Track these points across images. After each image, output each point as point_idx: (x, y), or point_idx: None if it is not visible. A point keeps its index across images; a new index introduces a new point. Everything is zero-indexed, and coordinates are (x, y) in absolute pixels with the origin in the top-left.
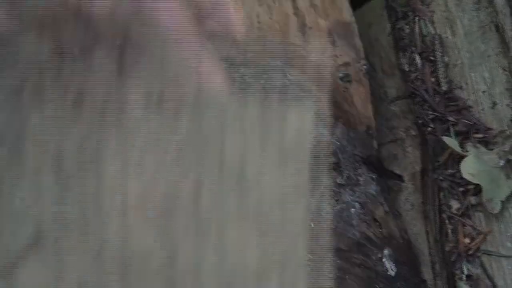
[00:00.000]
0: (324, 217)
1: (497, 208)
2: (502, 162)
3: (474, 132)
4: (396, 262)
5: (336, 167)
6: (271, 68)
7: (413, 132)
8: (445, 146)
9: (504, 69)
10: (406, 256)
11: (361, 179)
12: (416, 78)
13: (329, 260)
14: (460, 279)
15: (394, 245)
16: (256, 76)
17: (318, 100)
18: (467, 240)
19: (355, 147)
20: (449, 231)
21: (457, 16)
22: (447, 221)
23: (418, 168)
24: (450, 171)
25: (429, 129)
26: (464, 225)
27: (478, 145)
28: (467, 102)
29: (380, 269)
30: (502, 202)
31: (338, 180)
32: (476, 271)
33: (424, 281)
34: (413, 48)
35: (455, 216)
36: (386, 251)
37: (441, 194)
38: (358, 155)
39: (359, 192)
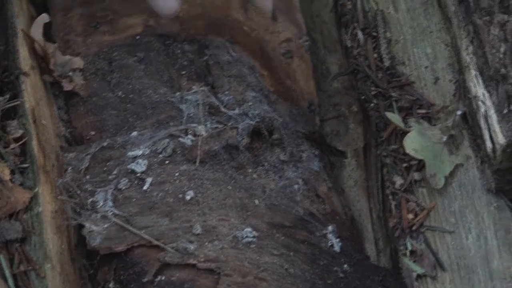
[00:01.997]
0: (268, 194)
1: (440, 183)
2: (445, 138)
3: (417, 108)
4: (340, 238)
5: (279, 143)
6: (214, 45)
7: (355, 108)
8: (388, 122)
9: (447, 45)
10: (350, 232)
11: (304, 155)
12: (358, 54)
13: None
14: (404, 254)
15: (338, 221)
16: (199, 53)
17: (261, 77)
18: (410, 216)
19: (297, 124)
20: (393, 207)
21: None
22: (390, 197)
23: (361, 144)
24: (393, 147)
25: (372, 105)
26: (407, 201)
27: (421, 120)
28: (410, 78)
29: (324, 245)
30: (446, 177)
31: (281, 157)
32: (420, 246)
33: (367, 257)
34: (355, 24)
35: (399, 192)
36: (330, 227)
37: (385, 170)
38: (301, 132)
39: (302, 169)
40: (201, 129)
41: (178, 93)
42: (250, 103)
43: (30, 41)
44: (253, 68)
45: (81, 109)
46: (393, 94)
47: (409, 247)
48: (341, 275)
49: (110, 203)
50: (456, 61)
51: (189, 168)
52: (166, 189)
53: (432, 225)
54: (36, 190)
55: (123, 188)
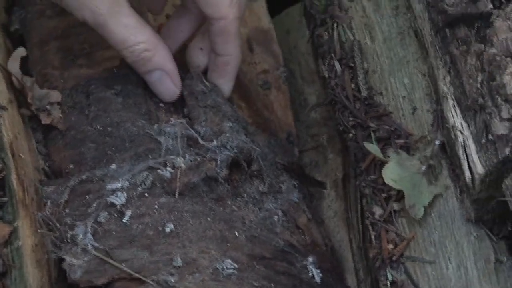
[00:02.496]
0: (247, 226)
1: (419, 214)
2: (423, 168)
3: (396, 138)
4: (320, 269)
5: (258, 174)
6: (189, 76)
7: (334, 139)
8: (366, 153)
9: (424, 75)
10: (330, 263)
11: (283, 186)
12: (336, 84)
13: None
14: (385, 285)
15: (318, 252)
16: None
17: (238, 108)
18: (390, 246)
19: (276, 155)
20: (373, 237)
21: (375, 22)
22: (370, 228)
23: (340, 174)
24: (372, 177)
25: (350, 135)
26: (387, 231)
27: (399, 151)
28: (388, 108)
29: (304, 276)
30: (425, 208)
31: (261, 188)
32: (401, 277)
33: None
34: (332, 55)
35: (378, 222)
36: (310, 259)
37: (364, 200)
38: (280, 163)
39: (281, 200)
40: (180, 162)
41: (156, 125)
42: (227, 134)
43: (8, 75)
44: (230, 99)
45: (60, 142)
46: (371, 124)
47: (390, 278)
48: None
49: (90, 236)
50: (434, 91)
51: (169, 200)
52: (146, 221)
53: (412, 256)
54: (15, 224)
55: (103, 221)
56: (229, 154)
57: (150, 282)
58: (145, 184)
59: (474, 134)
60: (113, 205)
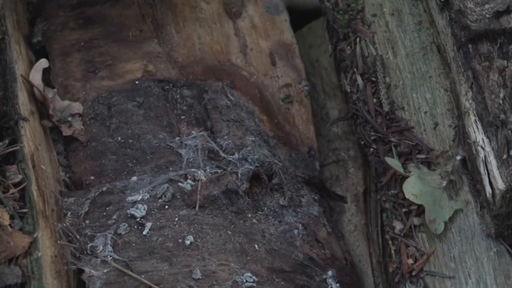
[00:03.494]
0: (267, 239)
1: (440, 228)
2: (444, 183)
3: (417, 153)
4: (339, 283)
5: (279, 188)
6: (213, 89)
7: (355, 153)
8: (387, 167)
9: (446, 90)
10: (350, 277)
11: (303, 200)
12: (358, 99)
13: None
14: None
15: (337, 266)
16: (199, 98)
17: (260, 121)
18: (410, 261)
19: (297, 168)
20: (393, 252)
21: (398, 37)
22: (390, 242)
23: (360, 189)
24: (392, 191)
25: (372, 150)
26: (407, 246)
27: (420, 165)
28: (409, 123)
29: None
30: (445, 223)
31: (281, 202)
32: None
33: None
34: (354, 69)
35: (398, 237)
36: (330, 272)
37: (384, 215)
38: (300, 176)
39: (301, 213)
40: (201, 174)
41: (177, 138)
42: (249, 148)
43: (29, 86)
44: (252, 113)
45: (81, 154)
46: (392, 139)
47: None
48: None
49: (109, 248)
50: (456, 106)
51: (189, 213)
52: (166, 233)
53: (432, 270)
54: (35, 235)
55: (123, 233)
56: (250, 167)
57: None
58: (165, 196)
59: (495, 149)
60: (133, 217)
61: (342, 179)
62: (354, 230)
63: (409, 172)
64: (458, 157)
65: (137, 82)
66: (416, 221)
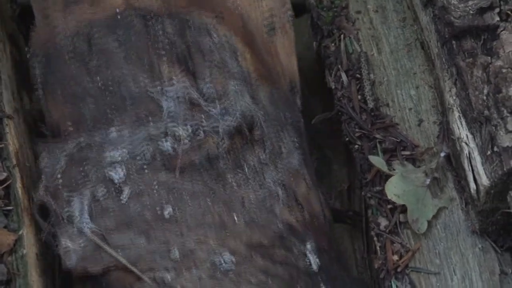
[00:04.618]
0: (247, 208)
1: (423, 228)
2: (428, 181)
3: (401, 150)
4: (318, 251)
5: (260, 140)
6: (196, 26)
7: (340, 150)
8: (372, 164)
9: (430, 86)
10: (328, 238)
11: (284, 149)
12: (342, 96)
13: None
14: None
15: (316, 228)
16: (181, 34)
17: (243, 60)
18: (395, 257)
19: (278, 108)
20: (378, 248)
21: (382, 33)
22: (375, 239)
23: (345, 185)
24: (377, 188)
25: (356, 146)
26: (392, 242)
27: (405, 162)
28: (394, 120)
29: (302, 264)
30: (428, 221)
31: (262, 157)
32: None
33: (345, 266)
34: (339, 66)
35: (383, 233)
36: (309, 245)
37: (369, 211)
38: (282, 118)
39: (282, 169)
40: (181, 131)
41: (158, 83)
42: (231, 98)
43: (14, 84)
44: (235, 51)
45: (59, 98)
46: (377, 135)
47: None
48: None
49: (86, 216)
50: (440, 102)
51: (168, 177)
52: (144, 201)
53: (417, 267)
54: (20, 232)
55: (100, 197)
56: (232, 123)
57: (147, 279)
58: (144, 157)
59: (479, 146)
60: (111, 180)
61: (326, 175)
62: (338, 226)
63: (393, 169)
64: (443, 154)
65: (118, 12)
66: (401, 217)
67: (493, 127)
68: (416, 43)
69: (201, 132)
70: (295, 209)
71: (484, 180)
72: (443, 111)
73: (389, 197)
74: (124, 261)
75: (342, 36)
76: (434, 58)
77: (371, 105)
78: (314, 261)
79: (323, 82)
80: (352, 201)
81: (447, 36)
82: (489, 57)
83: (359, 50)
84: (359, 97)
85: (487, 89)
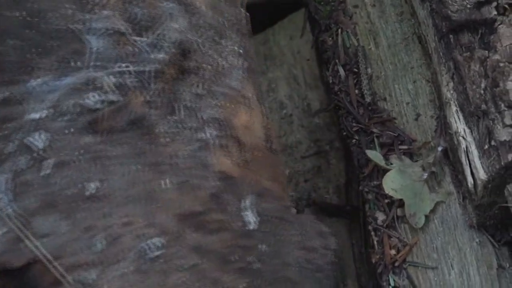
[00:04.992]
0: (178, 167)
1: (420, 222)
2: (425, 175)
3: (399, 144)
4: (259, 196)
5: (195, 66)
6: None
7: (337, 144)
8: (369, 158)
9: (428, 81)
10: (274, 174)
11: (224, 63)
12: (340, 90)
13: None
14: None
15: (259, 160)
16: None
17: None
18: (393, 252)
19: (218, 11)
20: (375, 243)
21: (380, 27)
22: (372, 233)
23: (342, 180)
24: (375, 182)
25: (354, 141)
26: (390, 237)
27: (402, 157)
28: (391, 114)
29: (239, 224)
30: (426, 216)
31: (198, 89)
32: (403, 282)
33: (288, 209)
34: (336, 60)
35: (381, 228)
36: (244, 203)
37: (366, 206)
38: (222, 22)
39: (219, 95)
40: (105, 81)
41: (81, 14)
42: (164, 24)
43: None
44: None
45: None
46: (374, 130)
47: (392, 283)
48: (257, 265)
49: (10, 195)
50: (437, 97)
51: (93, 140)
52: (68, 174)
53: (414, 261)
54: None
55: (23, 169)
56: (163, 57)
57: (70, 280)
58: (67, 115)
59: (477, 140)
60: (33, 148)
61: (324, 170)
62: (336, 221)
63: (391, 164)
64: (440, 148)
65: None
66: (398, 212)
67: (491, 121)
68: (413, 37)
69: (127, 81)
70: (232, 149)
71: (482, 174)
72: (441, 105)
73: (386, 192)
74: (46, 254)
75: (339, 30)
76: (432, 52)
77: (368, 99)
78: (252, 217)
79: (320, 76)
80: (349, 196)
81: (444, 30)
82: (487, 51)
83: (356, 44)
84: (357, 91)
85: (485, 83)
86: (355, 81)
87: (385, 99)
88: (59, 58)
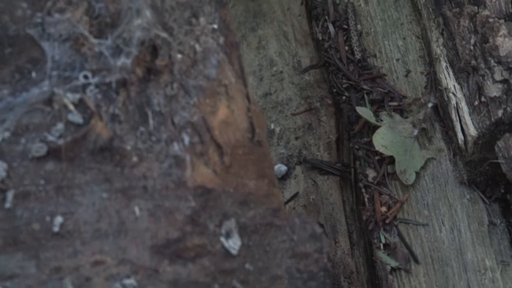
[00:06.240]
0: (150, 191)
1: (411, 179)
2: (416, 132)
3: (389, 101)
4: (241, 208)
5: (165, 65)
6: None
7: (328, 101)
8: (360, 115)
9: (418, 37)
10: (259, 173)
11: (198, 48)
12: (329, 47)
13: None
14: (378, 247)
15: (242, 157)
16: None
17: None
18: (384, 209)
19: None
20: (366, 200)
21: None
22: (363, 190)
23: (333, 137)
24: (365, 139)
25: (344, 98)
26: (380, 193)
27: (393, 113)
28: (381, 70)
29: (219, 247)
30: (416, 172)
31: (169, 90)
32: (394, 239)
33: (275, 212)
34: (326, 17)
35: (371, 184)
36: (227, 223)
37: (357, 163)
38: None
39: (194, 90)
40: (67, 98)
41: (39, 14)
42: (124, 23)
43: None
44: None
45: None
46: (364, 86)
47: (383, 240)
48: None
49: None
50: (427, 53)
51: (56, 167)
52: (31, 206)
53: (405, 218)
54: None
55: None
56: (128, 62)
57: None
58: (26, 140)
59: (467, 96)
60: None
61: (315, 127)
62: (327, 179)
63: (381, 120)
64: (430, 104)
65: None
66: (389, 168)
67: (481, 77)
68: None
69: (90, 96)
70: (210, 156)
71: (472, 131)
72: (430, 62)
73: (376, 148)
74: None
75: None
76: (421, 8)
77: (358, 56)
78: (234, 234)
79: (310, 33)
80: (340, 153)
81: None
82: (476, 7)
83: (346, 0)
84: (346, 48)
85: (474, 39)
86: (345, 37)
87: (375, 56)
88: (17, 68)
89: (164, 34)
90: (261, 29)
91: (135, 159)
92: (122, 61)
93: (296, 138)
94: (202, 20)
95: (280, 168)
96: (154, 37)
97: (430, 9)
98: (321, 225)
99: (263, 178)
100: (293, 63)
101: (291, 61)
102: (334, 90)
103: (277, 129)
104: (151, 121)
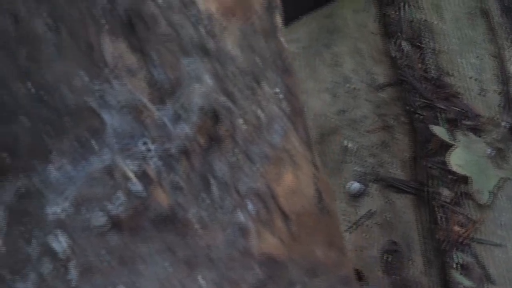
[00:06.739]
0: (215, 261)
1: (485, 199)
2: (491, 151)
3: (464, 120)
4: (310, 272)
5: (228, 132)
6: None
7: (403, 119)
8: (435, 134)
9: (493, 56)
10: (328, 233)
11: (263, 116)
12: (405, 65)
13: None
14: (453, 267)
15: (310, 225)
16: None
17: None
18: (459, 229)
19: (252, 49)
20: (441, 219)
21: (444, 1)
22: (438, 210)
23: (408, 155)
24: (440, 158)
25: (419, 116)
26: (455, 213)
27: (468, 132)
28: (457, 89)
29: None
30: (491, 192)
31: (233, 158)
32: (469, 260)
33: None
34: (401, 35)
35: (447, 204)
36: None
37: (432, 182)
38: (258, 61)
39: (259, 158)
40: (128, 168)
41: (98, 82)
42: (186, 85)
43: None
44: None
45: None
46: (439, 105)
47: (458, 260)
48: None
49: None
50: (502, 72)
51: (118, 240)
52: (94, 280)
53: (480, 238)
54: None
55: (47, 275)
56: (189, 131)
57: None
58: (89, 214)
59: None
60: (54, 252)
61: (390, 145)
62: (402, 197)
63: (456, 140)
64: (506, 124)
65: None
66: (464, 188)
67: None
68: (477, 12)
69: (151, 166)
70: (276, 225)
71: None
72: (506, 81)
73: (452, 168)
74: None
75: (404, 4)
76: (496, 26)
77: (433, 74)
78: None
79: (385, 50)
80: (415, 171)
81: (509, 4)
82: None
83: (421, 18)
84: (422, 66)
85: None
86: (420, 55)
87: (450, 74)
88: (76, 139)
89: (226, 101)
90: (336, 46)
91: (198, 228)
92: (183, 129)
93: (371, 156)
94: (265, 86)
95: (355, 185)
96: (215, 104)
97: (506, 28)
98: (396, 243)
99: (332, 247)
100: (368, 81)
101: (366, 78)
102: (409, 108)
103: (353, 146)
104: (214, 190)
